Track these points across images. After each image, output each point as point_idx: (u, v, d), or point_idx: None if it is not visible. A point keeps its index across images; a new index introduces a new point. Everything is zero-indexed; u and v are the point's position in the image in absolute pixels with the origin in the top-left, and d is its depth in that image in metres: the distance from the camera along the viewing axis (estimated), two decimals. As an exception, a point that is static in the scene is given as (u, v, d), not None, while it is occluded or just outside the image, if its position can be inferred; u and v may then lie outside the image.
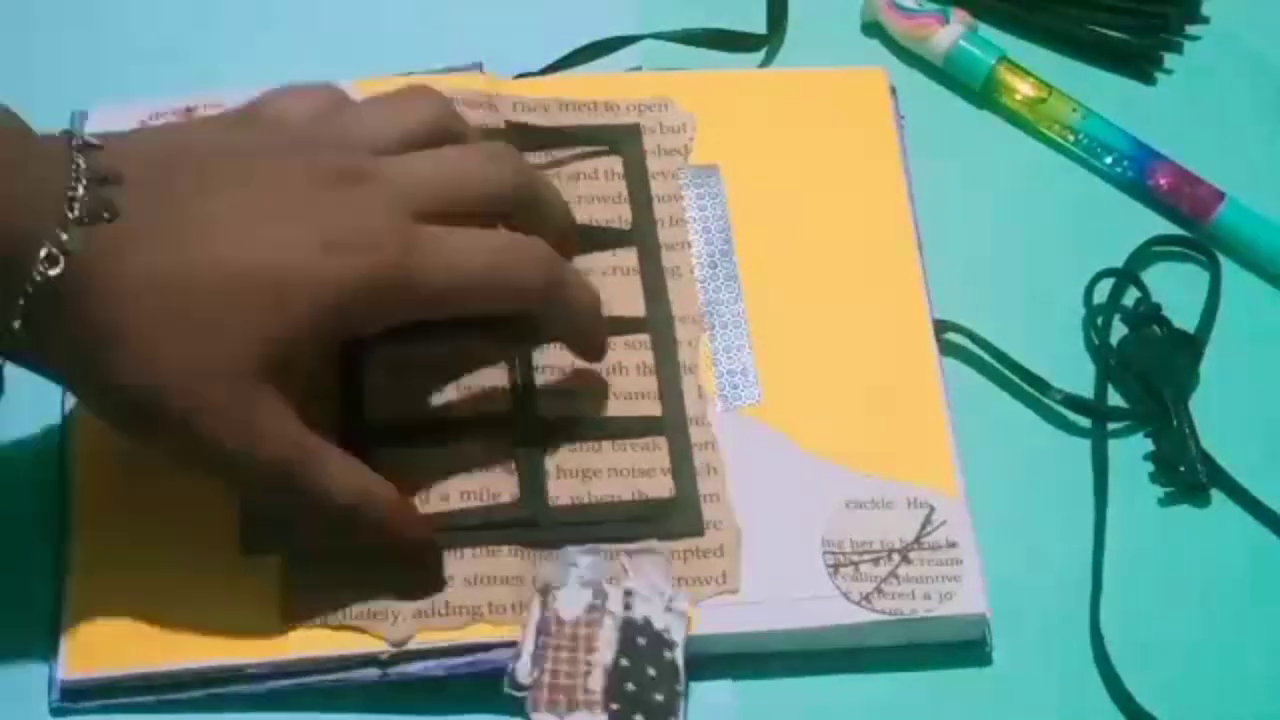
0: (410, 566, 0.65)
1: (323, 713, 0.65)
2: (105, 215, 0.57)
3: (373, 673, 0.65)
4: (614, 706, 0.65)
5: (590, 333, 0.68)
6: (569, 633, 0.66)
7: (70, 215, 0.56)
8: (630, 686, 0.65)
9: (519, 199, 0.66)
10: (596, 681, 0.65)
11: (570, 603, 0.66)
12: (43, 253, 0.56)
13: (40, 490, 0.68)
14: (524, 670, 0.65)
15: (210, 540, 0.66)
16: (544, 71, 0.78)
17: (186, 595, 0.65)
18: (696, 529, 0.68)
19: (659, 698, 0.65)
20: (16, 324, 0.57)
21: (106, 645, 0.64)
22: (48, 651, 0.65)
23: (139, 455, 0.65)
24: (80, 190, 0.57)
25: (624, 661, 0.66)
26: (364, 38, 0.79)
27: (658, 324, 0.72)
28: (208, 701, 0.65)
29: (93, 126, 0.73)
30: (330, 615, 0.65)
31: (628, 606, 0.67)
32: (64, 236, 0.56)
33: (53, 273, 0.56)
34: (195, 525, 0.67)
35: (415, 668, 0.65)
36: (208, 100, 0.74)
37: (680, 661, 0.66)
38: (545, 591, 0.67)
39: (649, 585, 0.67)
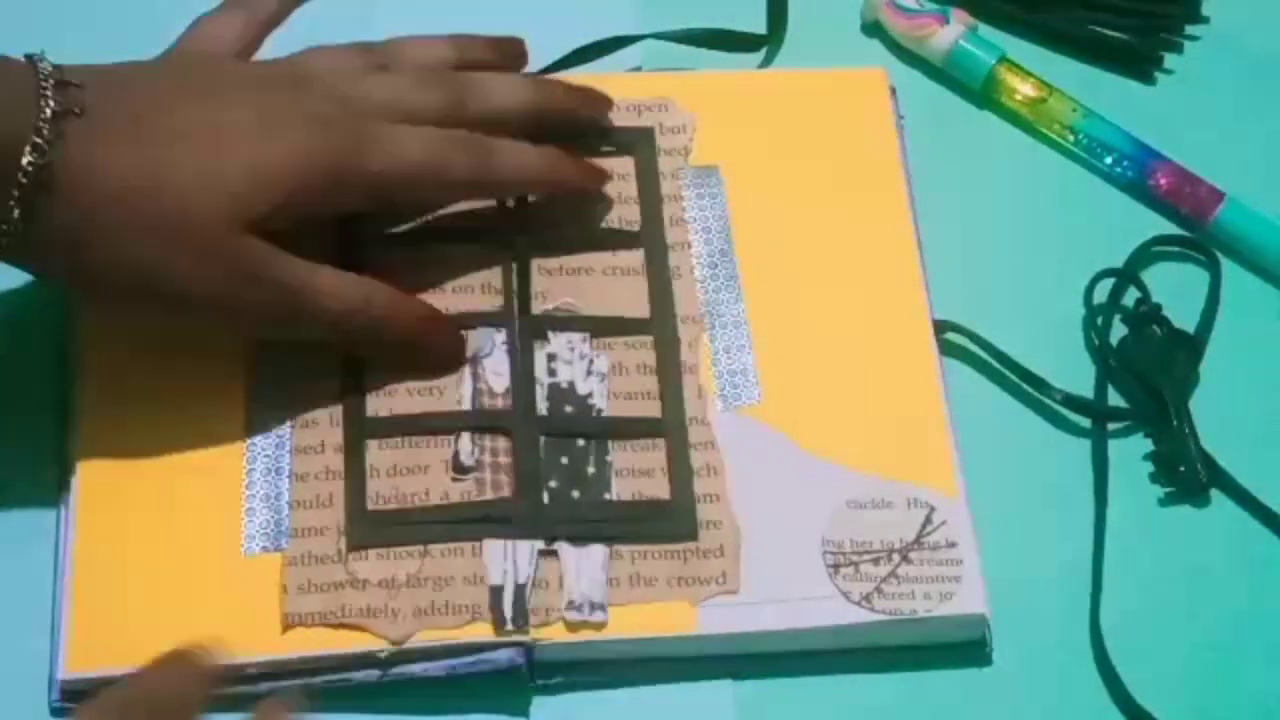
0: (426, 349, 0.69)
1: (323, 713, 0.64)
2: (75, 111, 0.63)
3: (372, 673, 0.64)
4: (551, 484, 0.67)
5: (559, 183, 0.72)
6: (501, 406, 0.68)
7: (44, 114, 0.62)
8: (564, 460, 0.68)
9: (450, 121, 0.69)
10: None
11: (499, 371, 0.69)
12: (27, 149, 0.62)
13: (40, 487, 0.68)
14: (465, 451, 0.67)
15: (210, 540, 0.66)
16: (545, 70, 0.77)
17: (186, 594, 0.65)
18: (690, 533, 0.67)
19: (591, 470, 0.67)
20: (16, 213, 0.62)
21: (106, 644, 0.64)
22: (48, 651, 0.64)
23: (139, 451, 0.66)
24: (49, 93, 0.63)
25: (555, 434, 0.68)
26: (365, 36, 0.76)
27: (661, 324, 0.71)
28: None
29: None
30: (329, 614, 0.64)
31: (552, 373, 0.69)
32: (44, 131, 0.62)
33: (40, 162, 0.62)
34: (196, 525, 0.66)
35: (415, 668, 0.64)
36: None
37: (606, 429, 0.68)
38: (474, 362, 0.69)
39: (569, 346, 0.70)
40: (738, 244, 0.73)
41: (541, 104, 0.72)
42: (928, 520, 0.68)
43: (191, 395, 0.68)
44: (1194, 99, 0.81)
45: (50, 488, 0.67)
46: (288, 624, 0.64)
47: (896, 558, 0.67)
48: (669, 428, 0.69)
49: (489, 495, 0.67)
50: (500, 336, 0.70)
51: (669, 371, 0.70)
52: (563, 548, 0.66)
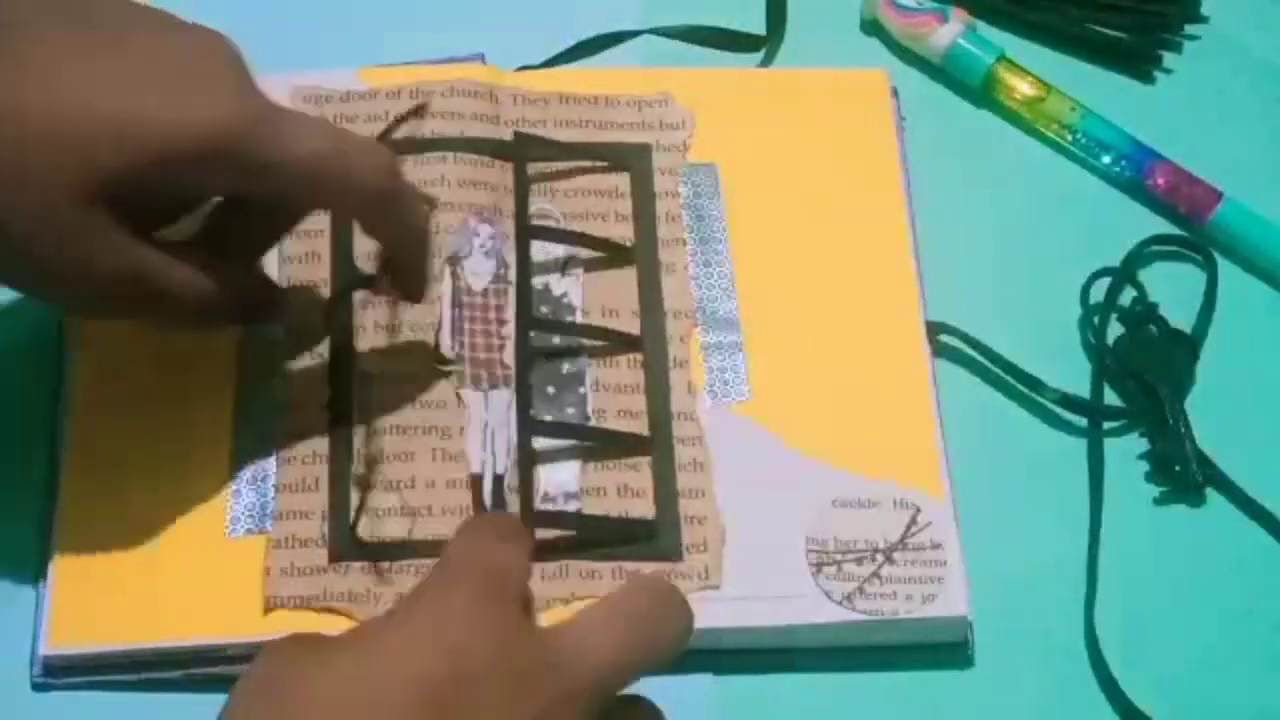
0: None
1: None
2: None
3: None
4: (529, 383, 0.67)
5: (414, 261, 0.64)
6: (479, 304, 0.68)
7: None
8: (541, 359, 0.68)
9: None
10: (510, 355, 0.68)
11: (477, 271, 0.69)
12: None
13: (27, 466, 0.67)
14: (446, 343, 0.67)
15: (195, 520, 0.65)
16: (545, 64, 0.76)
17: (170, 574, 0.64)
18: (675, 552, 0.66)
19: (566, 367, 0.68)
20: None
21: (89, 620, 0.63)
22: (31, 630, 0.64)
23: (127, 431, 0.66)
24: None
25: (531, 333, 0.68)
26: (367, 28, 0.77)
27: (651, 319, 0.70)
28: (188, 682, 0.63)
29: None
30: (312, 598, 0.64)
31: (529, 275, 0.70)
32: None
33: None
34: (180, 505, 0.65)
35: None
36: None
37: (580, 328, 0.69)
38: (454, 262, 0.69)
39: (544, 251, 0.70)
40: (733, 241, 0.72)
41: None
42: (913, 521, 0.67)
43: (180, 376, 0.67)
44: (1192, 99, 0.79)
45: (37, 465, 0.67)
46: (270, 606, 0.64)
47: (880, 558, 0.66)
48: (655, 423, 0.68)
49: (469, 387, 0.67)
50: (478, 240, 0.69)
51: (658, 366, 0.69)
52: (536, 441, 0.66)
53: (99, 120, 0.56)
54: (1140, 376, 0.72)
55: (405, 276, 0.65)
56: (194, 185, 0.60)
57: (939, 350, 0.71)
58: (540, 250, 0.70)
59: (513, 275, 0.69)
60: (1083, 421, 0.71)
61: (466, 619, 0.52)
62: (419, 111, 0.71)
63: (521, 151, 0.72)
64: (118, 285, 0.58)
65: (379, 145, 0.63)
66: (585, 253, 0.71)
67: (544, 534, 0.65)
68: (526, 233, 0.70)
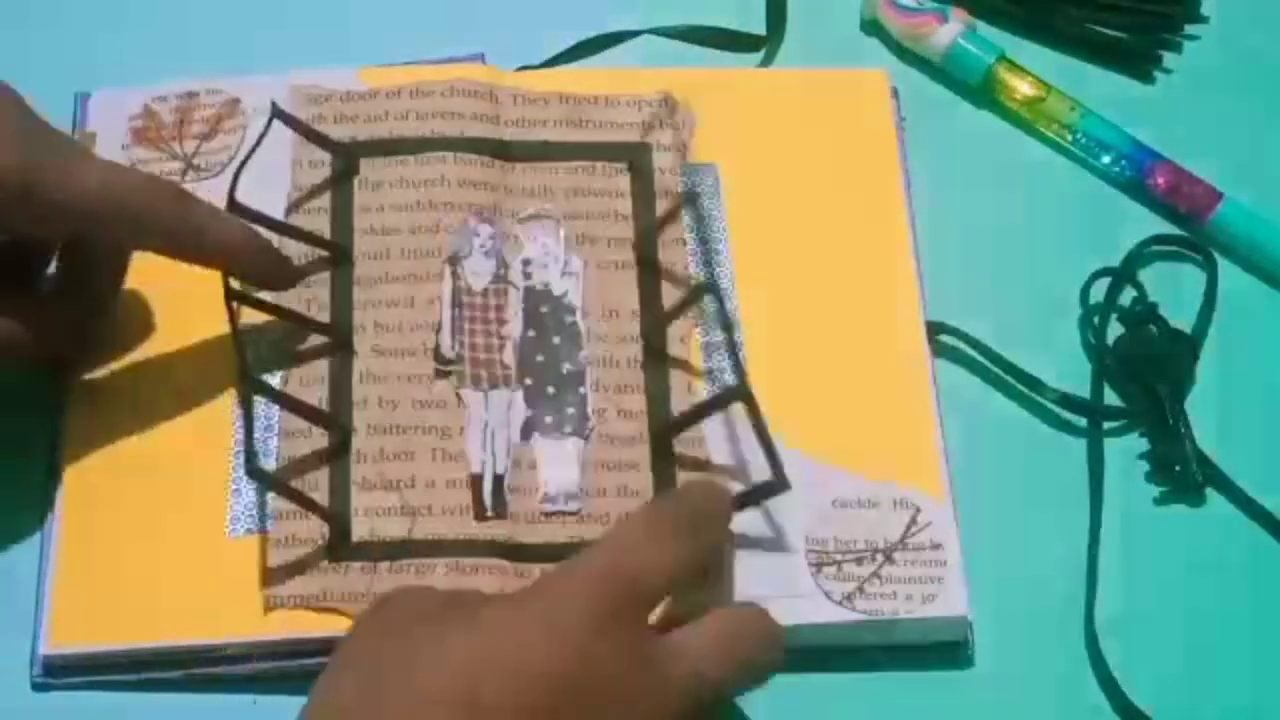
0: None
1: (303, 695, 0.61)
2: None
3: None
4: (528, 381, 0.67)
5: (249, 271, 0.67)
6: (479, 304, 0.68)
7: None
8: (539, 358, 0.68)
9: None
10: (510, 356, 0.68)
11: (477, 271, 0.69)
12: None
13: (27, 467, 0.67)
14: (446, 343, 0.67)
15: (195, 520, 0.65)
16: (545, 64, 0.76)
17: (170, 574, 0.64)
18: None
19: (567, 367, 0.68)
20: None
21: (89, 620, 0.63)
22: (31, 630, 0.64)
23: (126, 430, 0.66)
24: None
25: (530, 333, 0.68)
26: (367, 27, 0.77)
27: (650, 322, 0.70)
28: (188, 682, 0.63)
29: (95, 109, 0.73)
30: (311, 597, 0.64)
31: (527, 276, 0.69)
32: None
33: None
34: (180, 505, 0.65)
35: None
36: (209, 85, 0.74)
37: (582, 327, 0.68)
38: (454, 262, 0.69)
39: (543, 250, 0.70)
40: (733, 241, 0.72)
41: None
42: (913, 521, 0.66)
43: (179, 376, 0.67)
44: (1193, 98, 0.79)
45: (37, 465, 0.67)
46: (270, 606, 0.64)
47: (880, 558, 0.66)
48: (655, 423, 0.68)
49: (469, 387, 0.67)
50: (478, 240, 0.69)
51: (658, 366, 0.69)
52: (537, 441, 0.66)
53: None
54: (1140, 376, 0.71)
55: (253, 277, 0.67)
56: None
57: (939, 350, 0.71)
58: (540, 250, 0.70)
59: (513, 275, 0.69)
60: (1083, 421, 0.71)
61: (592, 623, 0.54)
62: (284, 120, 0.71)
63: (554, 151, 0.72)
64: None
65: (161, 179, 0.65)
66: (585, 253, 0.70)
67: (545, 537, 0.65)
68: (555, 221, 0.70)
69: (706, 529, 0.59)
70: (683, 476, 0.66)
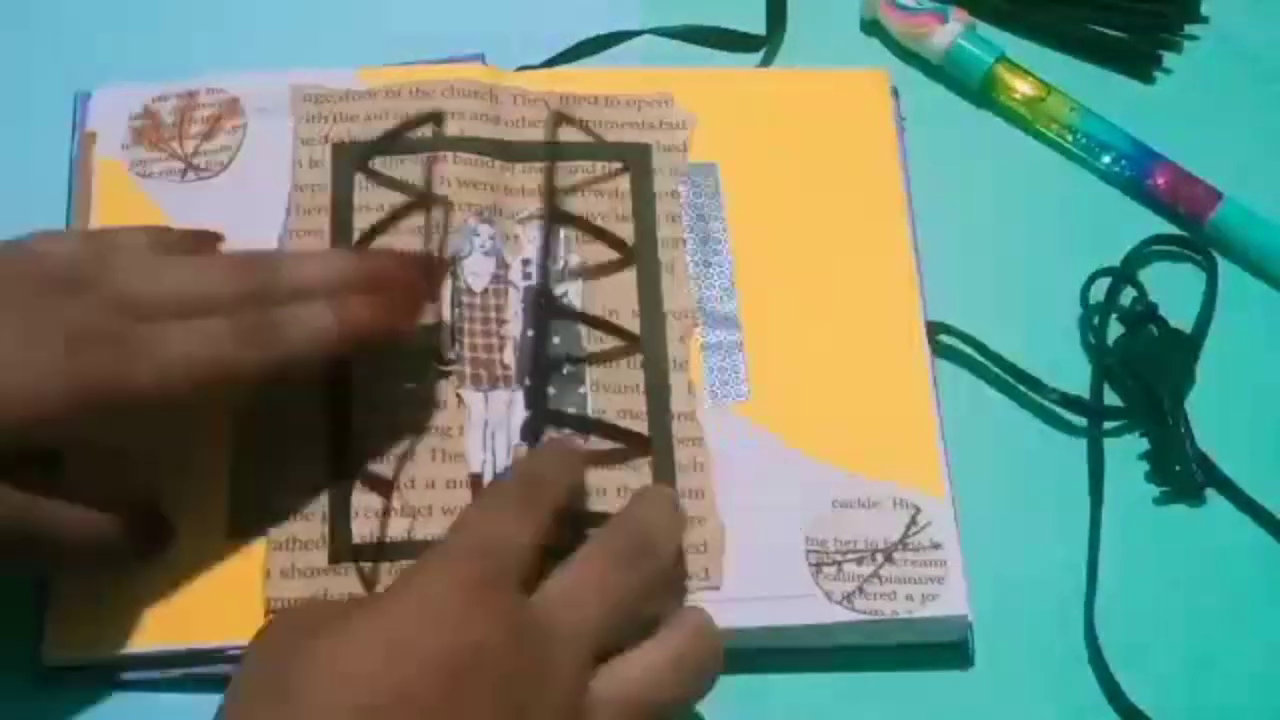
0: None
1: None
2: None
3: None
4: (528, 382, 0.67)
5: (366, 333, 0.62)
6: (479, 304, 0.68)
7: None
8: (540, 358, 0.68)
9: (239, 298, 0.60)
10: (510, 355, 0.67)
11: (477, 271, 0.68)
12: None
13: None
14: (446, 344, 0.67)
15: (194, 523, 0.65)
16: (545, 64, 0.76)
17: (169, 577, 0.64)
18: None
19: (567, 368, 0.67)
20: None
21: (89, 627, 0.63)
22: (31, 632, 0.63)
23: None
24: None
25: (530, 332, 0.68)
26: (367, 27, 0.77)
27: (651, 319, 0.70)
28: (188, 682, 0.63)
29: (95, 109, 0.73)
30: (312, 599, 0.63)
31: (527, 276, 0.69)
32: None
33: None
34: (180, 508, 0.65)
35: None
36: (209, 85, 0.73)
37: (580, 327, 0.68)
38: (454, 262, 0.69)
39: (542, 251, 0.69)
40: (733, 241, 0.72)
41: (365, 270, 0.63)
42: (913, 521, 0.66)
43: None
44: (1193, 99, 0.79)
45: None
46: (270, 608, 0.63)
47: (880, 558, 0.66)
48: (655, 423, 0.67)
49: (469, 388, 0.67)
50: (478, 240, 0.69)
51: (658, 366, 0.69)
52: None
53: None
54: (1140, 376, 0.71)
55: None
56: (85, 430, 0.58)
57: (939, 350, 0.71)
58: (539, 250, 0.70)
59: (513, 275, 0.69)
60: (1083, 421, 0.71)
61: (461, 596, 0.54)
62: (438, 119, 0.71)
63: (554, 151, 0.72)
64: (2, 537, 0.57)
65: (252, 318, 0.60)
66: (586, 254, 0.70)
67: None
68: (556, 221, 0.70)
69: (551, 490, 0.60)
70: (682, 477, 0.66)
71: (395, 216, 0.70)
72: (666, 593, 0.63)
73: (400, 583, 0.56)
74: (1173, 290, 0.73)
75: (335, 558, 0.64)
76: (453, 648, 0.53)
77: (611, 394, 0.68)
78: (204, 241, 0.65)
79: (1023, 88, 0.77)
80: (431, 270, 0.67)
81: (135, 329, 0.58)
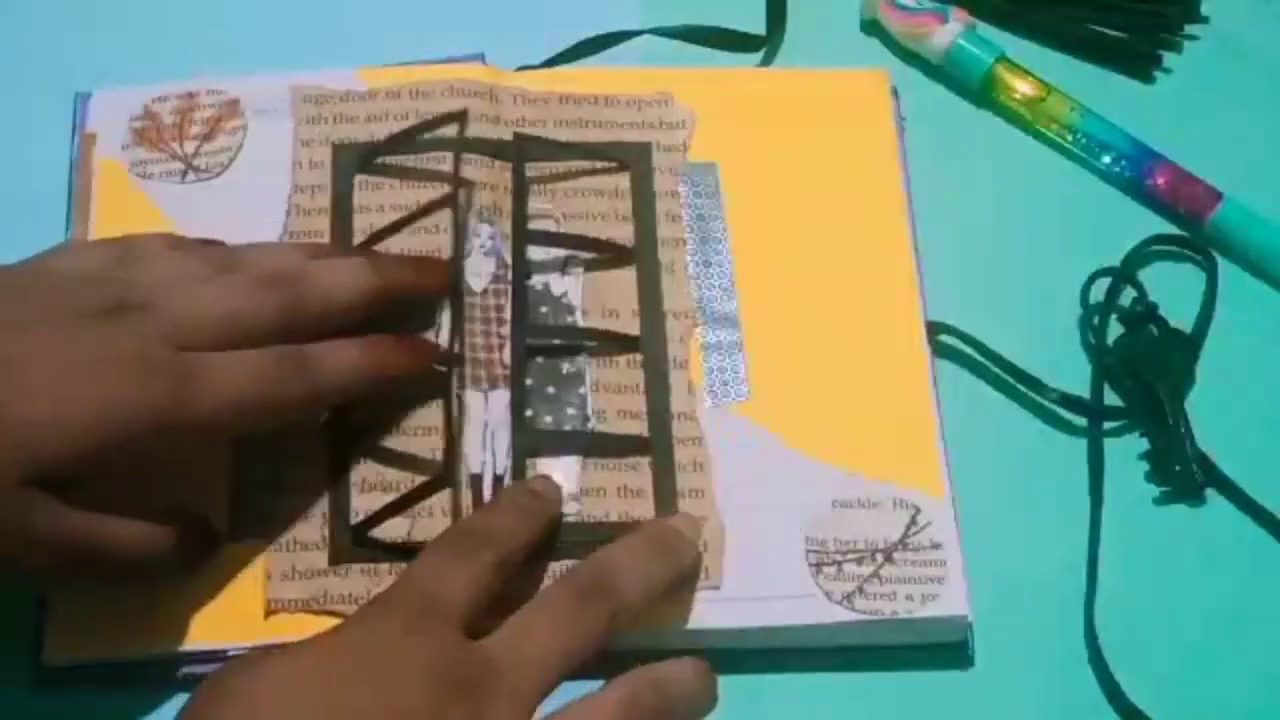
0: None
1: None
2: None
3: None
4: (529, 382, 0.67)
5: (387, 375, 0.65)
6: (479, 304, 0.68)
7: None
8: (540, 359, 0.67)
9: (289, 325, 0.62)
10: (510, 356, 0.67)
11: (477, 271, 0.68)
12: None
13: None
14: (446, 343, 0.67)
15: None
16: (545, 64, 0.76)
17: (170, 579, 0.63)
18: None
19: (566, 367, 0.67)
20: None
21: (89, 628, 0.63)
22: (31, 632, 0.63)
23: None
24: None
25: (516, 339, 0.67)
26: (367, 27, 0.77)
27: (651, 319, 0.70)
28: (189, 683, 0.62)
29: (95, 110, 0.73)
30: (312, 600, 0.63)
31: (527, 276, 0.69)
32: None
33: None
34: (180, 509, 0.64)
35: None
36: (209, 85, 0.73)
37: (580, 327, 0.68)
38: (453, 262, 0.68)
39: (543, 251, 0.69)
40: (733, 241, 0.72)
41: (385, 284, 0.65)
42: (913, 521, 0.66)
43: None
44: (1193, 99, 0.79)
45: None
46: (271, 609, 0.63)
47: (880, 558, 0.65)
48: (655, 423, 0.67)
49: (469, 388, 0.67)
50: (478, 240, 0.69)
51: (657, 366, 0.68)
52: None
53: (37, 415, 0.56)
54: (1140, 376, 0.71)
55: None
56: (146, 455, 0.59)
57: (939, 350, 0.71)
58: (540, 250, 0.70)
59: (513, 275, 0.69)
60: (1083, 421, 0.71)
61: (393, 649, 0.54)
62: (462, 118, 0.71)
63: (521, 152, 0.71)
64: (60, 555, 0.58)
65: (295, 351, 0.62)
66: (585, 253, 0.70)
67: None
68: (524, 236, 0.70)
69: (498, 540, 0.60)
70: (682, 477, 0.66)
71: (411, 218, 0.70)
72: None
73: (330, 635, 0.56)
74: (1173, 290, 0.73)
75: (335, 559, 0.64)
76: (383, 707, 0.53)
77: (611, 394, 0.68)
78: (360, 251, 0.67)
79: (1023, 88, 0.77)
80: (439, 271, 0.68)
81: (185, 359, 0.59)
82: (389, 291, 0.65)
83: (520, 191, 0.70)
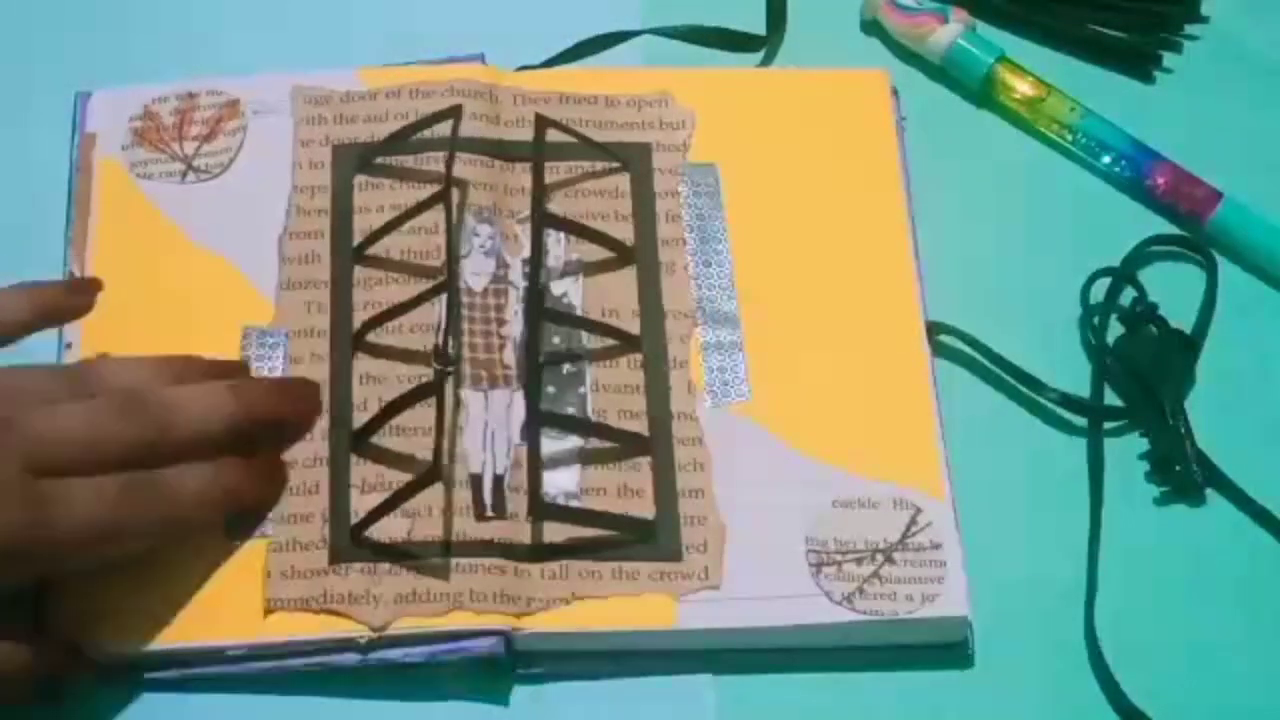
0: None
1: (303, 695, 0.63)
2: None
3: (352, 657, 0.63)
4: (540, 377, 0.67)
5: (244, 502, 0.65)
6: (479, 304, 0.68)
7: None
8: (540, 359, 0.67)
9: (148, 453, 0.62)
10: (510, 355, 0.67)
11: (477, 271, 0.69)
12: None
13: None
14: (445, 344, 0.66)
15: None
16: (545, 64, 0.76)
17: (170, 577, 0.64)
18: (675, 553, 0.65)
19: (566, 367, 0.67)
20: None
21: (89, 624, 0.63)
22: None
23: None
24: None
25: (531, 334, 0.67)
26: (367, 26, 0.77)
27: (651, 319, 0.70)
28: (188, 682, 0.63)
29: (95, 110, 0.73)
30: (311, 599, 0.63)
31: (527, 275, 0.69)
32: None
33: None
34: None
35: (395, 653, 0.63)
36: (209, 85, 0.73)
37: (583, 328, 0.68)
38: (454, 262, 0.68)
39: (537, 251, 0.69)
40: (733, 241, 0.72)
41: (246, 413, 0.64)
42: (913, 521, 0.66)
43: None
44: (1193, 99, 0.79)
45: None
46: (270, 608, 0.63)
47: (880, 558, 0.65)
48: (655, 423, 0.67)
49: (469, 388, 0.67)
50: (478, 240, 0.69)
51: (658, 366, 0.68)
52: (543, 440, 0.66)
53: None
54: (1140, 376, 0.71)
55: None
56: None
57: (939, 350, 0.71)
58: (535, 250, 0.69)
59: (512, 275, 0.69)
60: (1083, 421, 0.71)
61: None
62: (456, 114, 0.71)
63: (539, 144, 0.71)
64: None
65: (146, 479, 0.62)
66: (585, 253, 0.70)
67: (545, 537, 0.65)
68: (543, 222, 0.69)
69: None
70: (682, 477, 0.66)
71: (403, 218, 0.70)
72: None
73: None
74: (1173, 290, 0.73)
75: (335, 558, 0.64)
76: None
77: (611, 394, 0.68)
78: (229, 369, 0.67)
79: (1023, 88, 0.77)
80: (308, 397, 0.67)
81: (40, 487, 0.59)
82: (251, 420, 0.64)
83: (539, 193, 0.70)
